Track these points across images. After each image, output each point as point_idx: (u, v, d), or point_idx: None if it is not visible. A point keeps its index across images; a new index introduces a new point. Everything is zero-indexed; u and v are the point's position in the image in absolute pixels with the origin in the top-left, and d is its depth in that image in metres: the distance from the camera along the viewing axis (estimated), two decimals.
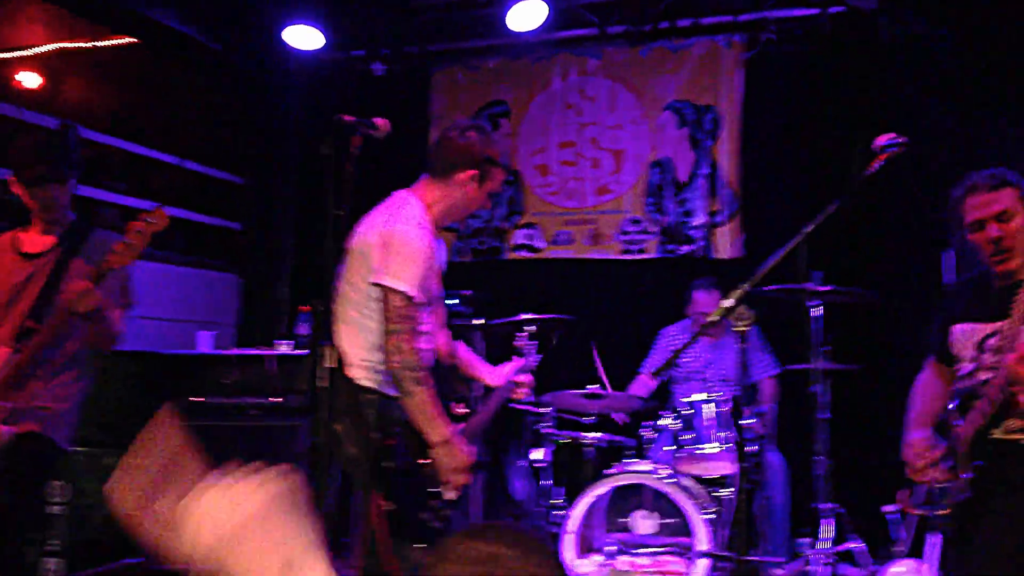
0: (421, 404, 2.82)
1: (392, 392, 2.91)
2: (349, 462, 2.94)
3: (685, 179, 6.14)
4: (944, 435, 2.87)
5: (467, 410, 2.96)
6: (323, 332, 2.47)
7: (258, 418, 5.17)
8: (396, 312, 2.79)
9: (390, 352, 2.80)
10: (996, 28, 5.33)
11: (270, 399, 5.24)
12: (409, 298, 2.81)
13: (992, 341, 2.82)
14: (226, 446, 3.99)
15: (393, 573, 2.77)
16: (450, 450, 2.87)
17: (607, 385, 5.22)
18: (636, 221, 6.23)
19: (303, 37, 6.06)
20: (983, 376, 2.80)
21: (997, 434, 2.75)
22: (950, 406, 2.91)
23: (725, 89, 6.04)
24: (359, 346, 2.91)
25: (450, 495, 2.90)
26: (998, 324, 2.81)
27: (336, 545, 5.30)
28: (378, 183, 3.09)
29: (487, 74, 6.59)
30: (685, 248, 6.11)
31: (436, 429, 2.85)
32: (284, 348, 5.31)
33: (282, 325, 6.11)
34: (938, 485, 2.86)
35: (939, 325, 3.08)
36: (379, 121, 2.76)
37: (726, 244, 6.01)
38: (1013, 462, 2.73)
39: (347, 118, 2.59)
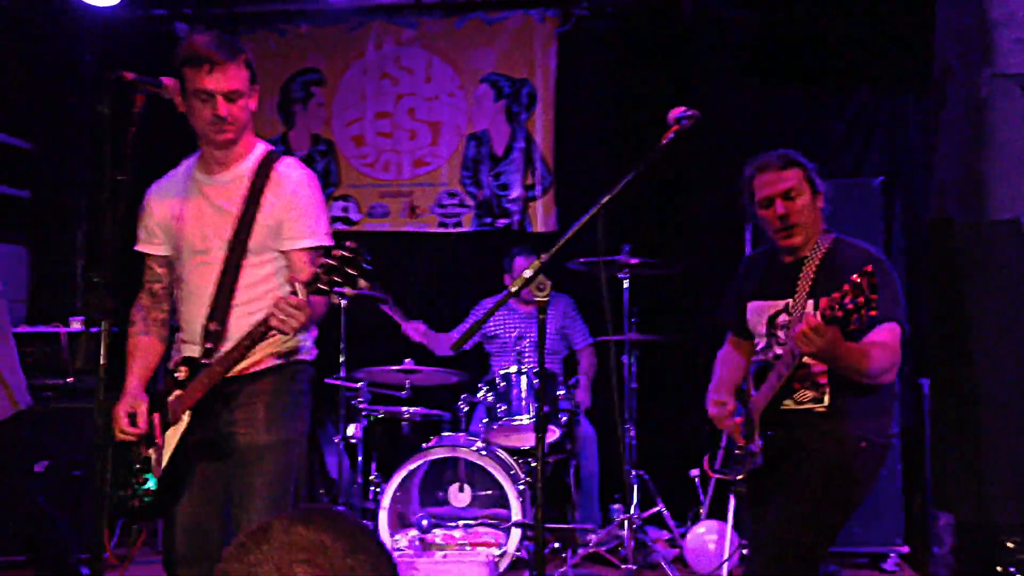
0: None
1: None
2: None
3: (501, 152, 6.15)
4: (743, 404, 3.00)
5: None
6: (101, 306, 2.30)
7: (53, 400, 4.85)
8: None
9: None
10: (789, 6, 5.61)
11: (64, 379, 4.93)
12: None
13: (782, 318, 2.96)
14: (18, 432, 3.71)
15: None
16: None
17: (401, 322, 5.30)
18: (453, 194, 6.20)
19: None
20: (777, 351, 2.94)
21: (789, 405, 2.90)
22: (748, 377, 3.04)
23: (540, 63, 6.08)
24: None
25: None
26: (786, 301, 2.95)
27: None
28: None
29: (299, 40, 6.37)
30: (501, 221, 6.14)
31: None
32: (77, 325, 4.99)
33: (76, 300, 5.75)
34: (736, 451, 2.98)
35: (734, 302, 3.20)
36: (167, 80, 2.58)
37: (541, 218, 6.08)
38: (802, 429, 2.87)
39: (128, 75, 2.41)
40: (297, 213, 2.71)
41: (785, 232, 2.97)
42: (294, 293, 2.42)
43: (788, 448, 2.88)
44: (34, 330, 5.08)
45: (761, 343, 3.03)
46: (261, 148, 2.81)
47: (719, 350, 3.32)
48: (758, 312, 3.05)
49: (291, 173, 2.76)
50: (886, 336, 2.80)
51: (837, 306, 2.50)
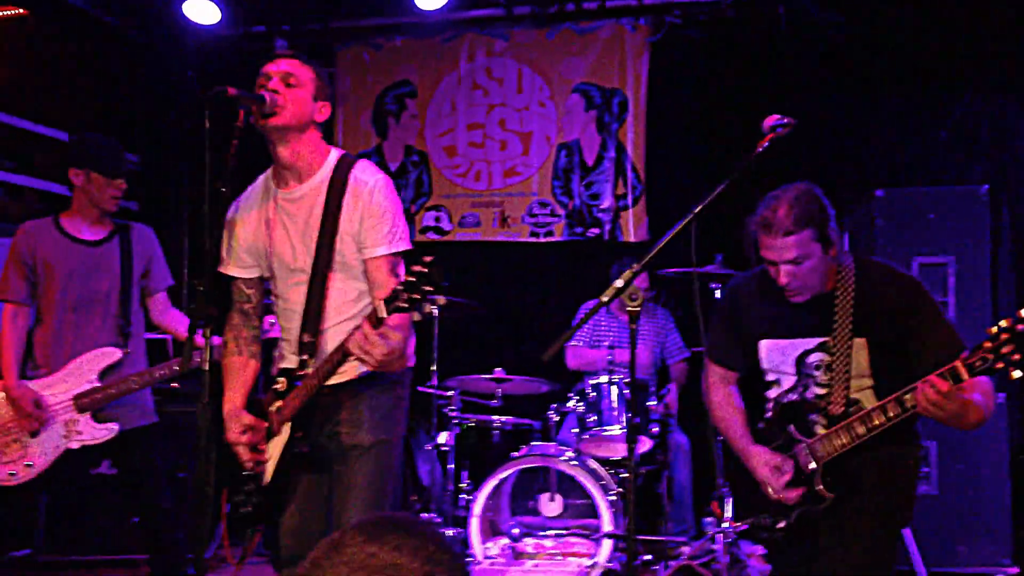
0: None
1: None
2: None
3: (592, 162, 6.14)
4: (780, 447, 2.85)
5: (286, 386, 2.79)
6: (203, 313, 2.37)
7: (159, 404, 4.99)
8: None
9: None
10: (890, 12, 5.46)
11: (169, 384, 5.08)
12: None
13: (817, 357, 2.79)
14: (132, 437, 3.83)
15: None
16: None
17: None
18: (544, 204, 6.22)
19: (201, 11, 5.87)
20: (818, 391, 2.79)
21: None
22: (769, 416, 2.91)
23: (631, 72, 6.06)
24: None
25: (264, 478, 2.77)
26: (817, 339, 2.78)
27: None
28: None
29: (393, 53, 6.48)
30: (592, 231, 6.12)
31: None
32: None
33: (182, 307, 5.93)
34: (788, 500, 2.80)
35: (732, 338, 3.02)
36: (267, 95, 2.65)
37: (632, 228, 6.04)
38: (853, 460, 2.73)
39: (230, 90, 2.48)
40: (373, 220, 2.68)
41: (790, 294, 2.78)
42: (374, 317, 2.40)
43: (840, 481, 2.74)
44: (145, 336, 5.25)
45: (786, 382, 2.87)
46: (334, 155, 2.79)
47: (713, 390, 3.08)
48: (780, 351, 2.86)
49: (366, 178, 2.72)
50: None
51: (991, 356, 2.34)
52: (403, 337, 2.52)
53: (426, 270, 2.29)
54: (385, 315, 2.37)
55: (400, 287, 2.32)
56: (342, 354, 2.55)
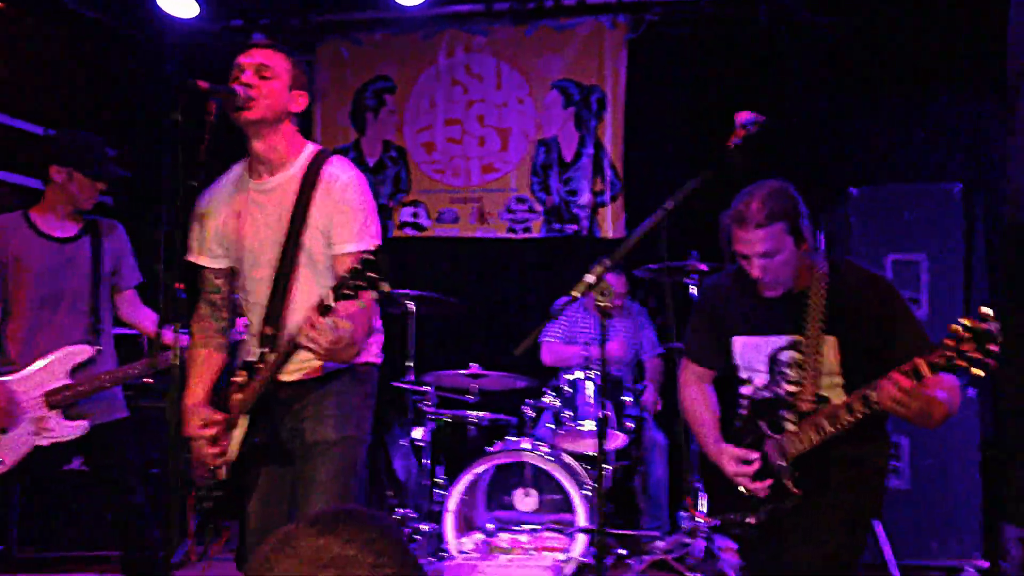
0: None
1: None
2: None
3: (570, 158, 6.16)
4: (751, 444, 2.86)
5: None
6: (174, 309, 2.36)
7: (133, 400, 4.98)
8: None
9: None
10: (868, 12, 5.49)
11: (142, 380, 5.05)
12: None
13: (789, 354, 2.82)
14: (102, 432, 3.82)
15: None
16: None
17: None
18: (522, 200, 6.23)
19: (178, 4, 5.84)
20: (789, 388, 2.81)
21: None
22: (744, 413, 2.92)
23: (610, 69, 6.08)
24: None
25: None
26: (789, 337, 2.80)
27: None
28: None
29: (372, 48, 6.48)
30: (570, 227, 6.14)
31: None
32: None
33: (156, 303, 5.91)
34: (744, 491, 2.84)
35: (708, 335, 3.04)
36: (239, 88, 2.64)
37: (610, 224, 6.07)
38: (821, 457, 2.75)
39: (201, 84, 2.47)
40: (344, 216, 2.67)
41: (762, 287, 2.81)
42: (321, 305, 2.39)
43: (817, 484, 2.77)
44: (115, 332, 5.23)
45: (759, 379, 2.89)
46: (309, 149, 2.78)
47: (688, 386, 3.12)
48: (754, 348, 2.89)
49: (340, 175, 2.71)
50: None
51: (952, 353, 2.34)
52: (353, 327, 2.50)
53: (372, 258, 2.29)
54: (332, 303, 2.36)
55: (347, 275, 2.32)
56: (291, 344, 2.54)
